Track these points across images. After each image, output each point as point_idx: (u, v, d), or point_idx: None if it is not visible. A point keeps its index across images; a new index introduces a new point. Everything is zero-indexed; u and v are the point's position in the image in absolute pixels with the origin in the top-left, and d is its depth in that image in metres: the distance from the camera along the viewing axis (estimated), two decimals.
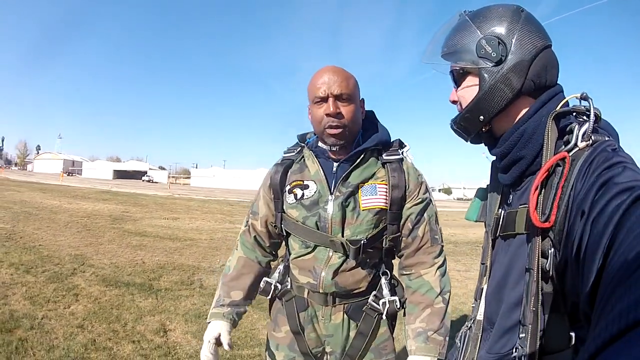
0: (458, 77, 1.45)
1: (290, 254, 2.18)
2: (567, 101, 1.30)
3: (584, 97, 1.23)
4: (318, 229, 2.00)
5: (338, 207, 1.96)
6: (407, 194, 2.04)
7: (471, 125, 1.43)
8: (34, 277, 6.71)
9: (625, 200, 0.80)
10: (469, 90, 1.40)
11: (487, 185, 1.70)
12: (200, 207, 24.91)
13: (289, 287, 2.18)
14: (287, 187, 2.12)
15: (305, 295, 2.11)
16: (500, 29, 1.33)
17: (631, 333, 0.51)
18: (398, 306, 2.04)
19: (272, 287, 2.21)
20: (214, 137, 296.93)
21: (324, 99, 1.91)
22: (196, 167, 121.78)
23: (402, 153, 2.11)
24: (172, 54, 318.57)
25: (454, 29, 1.43)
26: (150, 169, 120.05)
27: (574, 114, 1.25)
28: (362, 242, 1.93)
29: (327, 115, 1.91)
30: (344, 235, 1.97)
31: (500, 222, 1.44)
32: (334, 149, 2.00)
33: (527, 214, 1.22)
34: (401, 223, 2.04)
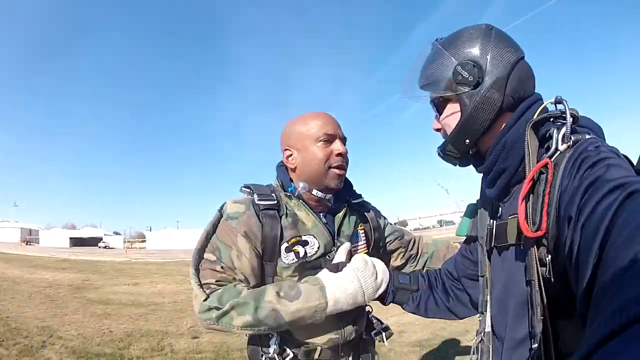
0: (439, 105, 1.45)
1: None
2: (544, 107, 1.32)
3: (558, 101, 1.25)
4: None
5: None
6: (384, 230, 2.22)
7: (458, 149, 1.43)
8: (6, 350, 6.40)
9: (616, 199, 0.78)
10: (452, 117, 1.40)
11: (477, 200, 1.71)
12: (159, 270, 24.41)
13: (291, 356, 1.87)
14: (285, 245, 1.83)
15: (317, 357, 1.89)
16: (474, 52, 1.34)
17: (625, 333, 0.50)
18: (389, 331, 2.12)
19: None
20: (166, 199, 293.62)
21: (333, 138, 1.86)
22: (150, 230, 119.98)
23: (361, 196, 2.14)
24: (118, 116, 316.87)
25: (429, 60, 1.44)
26: (105, 234, 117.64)
27: (552, 119, 1.26)
28: None
29: (339, 155, 1.85)
30: None
31: (493, 234, 1.43)
32: (327, 196, 1.91)
33: (518, 224, 1.21)
34: (388, 247, 2.25)
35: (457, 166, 1.52)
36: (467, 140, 1.39)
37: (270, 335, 1.85)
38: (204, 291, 1.67)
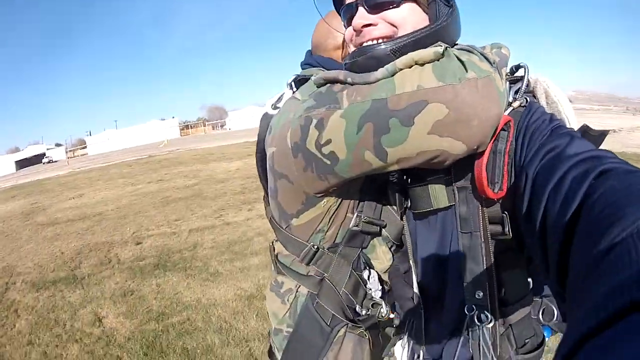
0: None
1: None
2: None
3: (519, 66, 1.17)
4: None
5: None
6: None
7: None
8: None
9: (587, 174, 0.71)
10: (413, 17, 1.10)
11: None
12: (101, 177, 24.18)
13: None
14: None
15: None
16: None
17: (622, 320, 0.39)
18: None
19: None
20: (103, 100, 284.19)
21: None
22: (90, 135, 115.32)
23: None
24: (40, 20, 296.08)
25: None
26: (47, 149, 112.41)
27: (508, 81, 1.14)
28: None
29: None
30: None
31: (410, 198, 1.27)
32: None
33: (472, 185, 1.12)
34: None
35: None
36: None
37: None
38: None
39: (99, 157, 57.87)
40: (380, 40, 1.10)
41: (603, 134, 1.02)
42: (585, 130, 1.02)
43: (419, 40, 1.06)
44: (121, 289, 6.13)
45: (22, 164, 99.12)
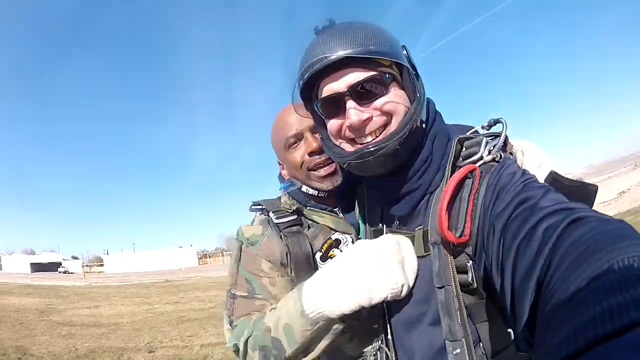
0: (378, 85, 1.13)
1: None
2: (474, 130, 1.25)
3: (497, 121, 1.19)
4: None
5: None
6: None
7: (414, 140, 1.17)
8: None
9: (558, 224, 0.71)
10: (399, 102, 1.15)
11: (359, 216, 1.57)
12: (117, 293, 24.56)
13: None
14: (319, 255, 1.57)
15: None
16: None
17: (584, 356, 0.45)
18: None
19: None
20: (122, 222, 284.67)
21: (299, 137, 1.56)
22: (107, 254, 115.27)
23: None
24: (73, 137, 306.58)
25: (371, 29, 1.13)
26: (64, 259, 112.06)
27: (483, 137, 1.15)
28: None
29: (311, 153, 1.53)
30: None
31: None
32: (319, 193, 1.62)
33: (431, 232, 1.13)
34: None
35: (374, 173, 1.21)
36: (415, 137, 1.16)
37: None
38: (231, 333, 1.50)
39: (116, 276, 57.86)
40: (377, 132, 1.16)
41: (582, 184, 1.01)
42: (555, 178, 1.03)
43: (414, 121, 1.12)
44: None
45: (37, 267, 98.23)
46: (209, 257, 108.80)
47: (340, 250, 1.57)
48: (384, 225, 1.37)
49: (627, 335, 0.43)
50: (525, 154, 1.19)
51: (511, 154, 1.18)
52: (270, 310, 1.40)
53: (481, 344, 1.08)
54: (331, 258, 1.55)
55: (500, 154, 1.09)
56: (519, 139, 1.25)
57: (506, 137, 1.15)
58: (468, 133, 1.22)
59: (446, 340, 1.08)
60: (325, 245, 1.58)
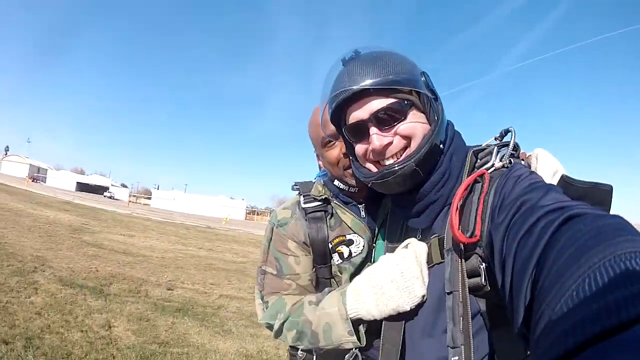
0: (397, 111, 1.20)
1: None
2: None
3: (507, 131, 1.24)
4: None
5: None
6: None
7: (432, 160, 1.22)
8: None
9: (554, 220, 0.74)
10: (419, 126, 1.22)
11: (379, 232, 1.65)
12: (156, 228, 24.91)
13: None
14: (330, 246, 1.68)
15: None
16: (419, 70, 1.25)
17: (581, 354, 0.45)
18: None
19: None
20: (178, 161, 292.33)
21: (336, 137, 1.57)
22: (157, 189, 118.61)
23: None
24: (146, 75, 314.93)
25: (393, 58, 1.22)
26: (112, 185, 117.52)
27: (495, 147, 1.21)
28: None
29: (345, 154, 1.57)
30: None
31: None
32: (350, 189, 1.67)
33: (447, 240, 1.17)
34: None
35: (395, 191, 1.29)
36: (433, 157, 1.23)
37: None
38: (263, 308, 1.65)
39: (161, 212, 59.33)
40: (399, 154, 1.23)
41: (595, 185, 1.04)
42: (566, 181, 1.10)
43: (431, 143, 1.19)
44: (139, 314, 6.15)
45: (82, 187, 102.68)
46: (258, 214, 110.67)
47: (349, 250, 1.68)
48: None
49: (626, 333, 0.44)
50: (539, 161, 1.21)
51: (523, 160, 1.22)
52: (309, 304, 1.51)
53: (495, 353, 1.09)
54: (338, 253, 1.68)
55: (511, 160, 1.15)
56: (535, 151, 1.26)
57: (517, 145, 1.21)
58: (484, 144, 1.29)
59: (448, 347, 1.10)
60: (337, 239, 1.69)
